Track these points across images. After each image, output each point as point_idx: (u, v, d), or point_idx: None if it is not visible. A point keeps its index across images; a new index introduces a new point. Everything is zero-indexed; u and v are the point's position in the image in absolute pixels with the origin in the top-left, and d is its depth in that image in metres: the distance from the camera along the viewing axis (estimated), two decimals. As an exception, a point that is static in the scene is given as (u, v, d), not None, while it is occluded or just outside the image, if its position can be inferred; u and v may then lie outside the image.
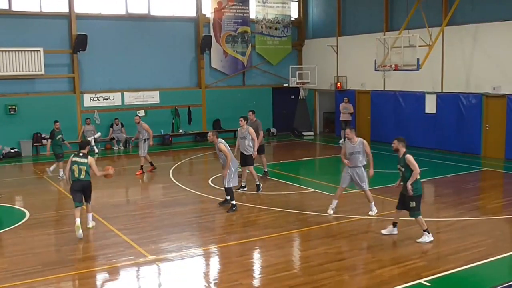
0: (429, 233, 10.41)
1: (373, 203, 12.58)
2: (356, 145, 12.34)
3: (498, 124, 19.76)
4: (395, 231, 10.87)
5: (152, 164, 18.21)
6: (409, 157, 10.41)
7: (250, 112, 16.49)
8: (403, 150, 10.58)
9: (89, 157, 11.42)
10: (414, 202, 10.41)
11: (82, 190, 11.31)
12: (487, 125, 20.25)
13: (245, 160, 14.99)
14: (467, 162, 19.19)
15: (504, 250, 9.99)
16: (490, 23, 19.83)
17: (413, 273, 8.86)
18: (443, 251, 10.08)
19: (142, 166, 17.96)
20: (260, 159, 16.72)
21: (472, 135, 20.68)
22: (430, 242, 10.34)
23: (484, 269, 9.17)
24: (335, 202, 12.67)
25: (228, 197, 13.18)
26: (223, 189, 13.36)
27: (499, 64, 19.61)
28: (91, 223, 11.72)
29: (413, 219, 10.57)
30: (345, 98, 24.76)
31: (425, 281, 8.53)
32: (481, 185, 16.48)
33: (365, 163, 12.43)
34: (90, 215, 11.78)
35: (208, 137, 13.30)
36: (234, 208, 13.04)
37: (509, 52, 19.24)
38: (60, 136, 17.21)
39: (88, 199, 11.53)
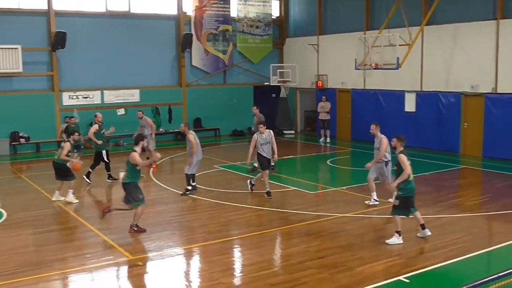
0: (400, 236, 10.35)
1: (394, 193, 12.62)
2: (377, 140, 12.81)
3: (476, 123, 19.97)
4: (427, 232, 10.57)
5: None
6: (401, 156, 10.34)
7: (255, 107, 18.01)
8: (400, 149, 10.54)
9: (66, 143, 13.79)
10: (397, 201, 10.40)
11: (55, 170, 13.92)
12: (465, 124, 20.46)
13: (269, 164, 14.58)
14: (446, 160, 19.37)
15: (482, 247, 10.14)
16: (469, 23, 20.03)
17: (393, 270, 8.94)
18: (422, 248, 10.17)
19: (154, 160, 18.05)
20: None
21: (450, 134, 20.88)
22: (398, 244, 10.23)
23: (462, 265, 9.28)
24: (373, 193, 13.13)
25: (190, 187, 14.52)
26: (196, 187, 14.10)
27: (477, 64, 19.83)
28: (55, 197, 13.90)
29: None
30: (323, 97, 24.85)
31: (404, 277, 8.62)
32: (460, 182, 16.66)
33: (385, 160, 12.79)
34: (57, 192, 13.98)
35: (180, 128, 14.77)
36: (188, 192, 14.33)
37: (487, 52, 19.46)
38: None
39: (60, 178, 13.94)
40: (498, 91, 19.28)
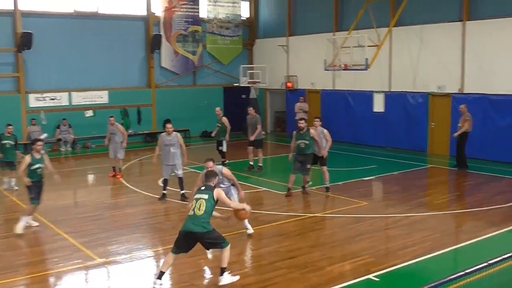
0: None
1: None
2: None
3: (443, 122, 20.26)
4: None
5: (115, 170, 17.35)
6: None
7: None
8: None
9: (26, 156, 11.50)
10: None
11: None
12: (432, 123, 20.75)
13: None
14: (414, 159, 19.61)
15: (449, 244, 10.28)
16: (436, 24, 20.32)
17: (362, 269, 8.99)
18: (391, 246, 10.28)
19: (120, 168, 17.45)
20: (257, 153, 18.03)
21: (418, 133, 21.15)
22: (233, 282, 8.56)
23: (431, 263, 9.38)
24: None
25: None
26: (174, 190, 13.64)
27: (444, 64, 20.13)
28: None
29: None
30: (301, 98, 24.88)
31: (374, 276, 8.68)
32: (428, 181, 16.88)
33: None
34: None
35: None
36: None
37: (453, 52, 19.77)
38: (6, 141, 15.51)
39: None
40: (464, 91, 19.59)
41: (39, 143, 11.53)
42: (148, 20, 25.53)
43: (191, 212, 8.30)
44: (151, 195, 14.71)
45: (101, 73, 24.46)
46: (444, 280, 5.90)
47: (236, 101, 28.12)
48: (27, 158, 11.31)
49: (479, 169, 17.52)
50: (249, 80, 27.12)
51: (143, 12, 25.53)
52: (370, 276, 8.68)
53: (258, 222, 11.90)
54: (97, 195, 15.16)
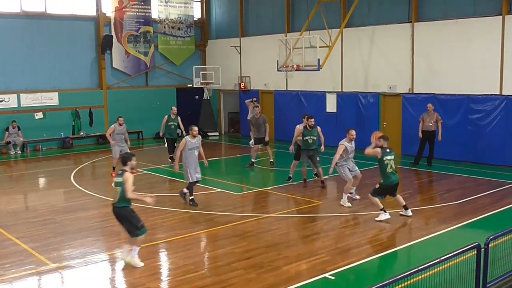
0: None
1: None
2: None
3: (395, 122, 20.69)
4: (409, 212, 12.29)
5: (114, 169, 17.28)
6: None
7: (256, 108, 19.24)
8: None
9: (126, 172, 9.32)
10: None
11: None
12: (384, 123, 21.15)
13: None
14: (367, 158, 19.81)
15: (402, 242, 10.53)
16: (386, 25, 20.73)
17: (318, 268, 9.09)
18: (346, 245, 10.42)
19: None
20: (267, 150, 18.92)
21: (371, 133, 21.34)
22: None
23: (385, 260, 9.58)
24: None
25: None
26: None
27: (394, 65, 20.55)
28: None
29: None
30: (254, 99, 24.86)
31: (330, 275, 8.79)
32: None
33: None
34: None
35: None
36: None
37: (403, 53, 20.20)
38: None
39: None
40: (414, 91, 20.05)
41: None
42: (98, 20, 25.13)
43: (390, 170, 12.11)
44: (104, 198, 14.49)
45: (51, 74, 23.96)
46: (399, 277, 6.04)
47: (190, 102, 28.02)
48: None
49: (430, 167, 17.93)
50: (202, 81, 27.06)
51: (93, 12, 25.13)
52: (326, 275, 8.78)
53: (213, 223, 11.91)
54: (48, 199, 14.83)
